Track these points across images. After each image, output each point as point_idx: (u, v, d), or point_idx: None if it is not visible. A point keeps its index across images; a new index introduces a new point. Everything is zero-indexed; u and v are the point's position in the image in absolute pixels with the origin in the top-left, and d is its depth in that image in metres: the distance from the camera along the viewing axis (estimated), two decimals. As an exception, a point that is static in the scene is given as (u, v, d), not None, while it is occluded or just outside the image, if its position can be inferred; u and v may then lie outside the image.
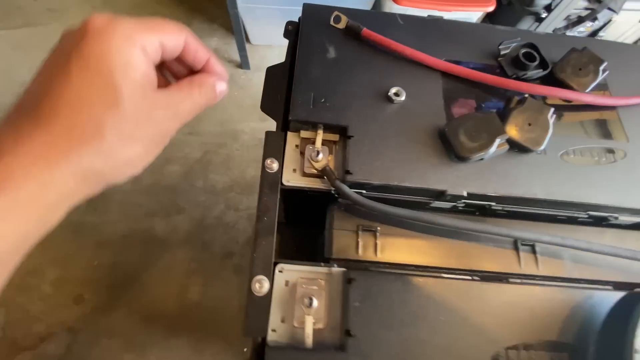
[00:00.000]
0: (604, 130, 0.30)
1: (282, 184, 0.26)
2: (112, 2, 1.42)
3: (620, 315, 0.21)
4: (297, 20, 0.33)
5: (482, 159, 0.26)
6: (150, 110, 0.19)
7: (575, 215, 0.28)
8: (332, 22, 0.31)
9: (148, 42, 0.19)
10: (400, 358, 0.21)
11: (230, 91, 1.28)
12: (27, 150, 0.16)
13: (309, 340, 0.21)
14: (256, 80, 1.28)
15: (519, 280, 0.25)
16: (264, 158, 0.27)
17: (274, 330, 0.22)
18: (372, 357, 0.21)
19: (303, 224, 0.30)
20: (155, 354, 0.90)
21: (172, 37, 0.19)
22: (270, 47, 1.32)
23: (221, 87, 0.22)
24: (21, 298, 0.93)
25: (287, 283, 0.24)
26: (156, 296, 0.94)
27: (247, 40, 1.27)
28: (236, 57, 1.29)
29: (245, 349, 0.93)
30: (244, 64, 1.29)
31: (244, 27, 1.17)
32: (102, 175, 0.18)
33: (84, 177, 0.17)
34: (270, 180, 0.26)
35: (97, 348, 0.91)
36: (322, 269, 0.24)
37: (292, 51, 0.31)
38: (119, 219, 1.05)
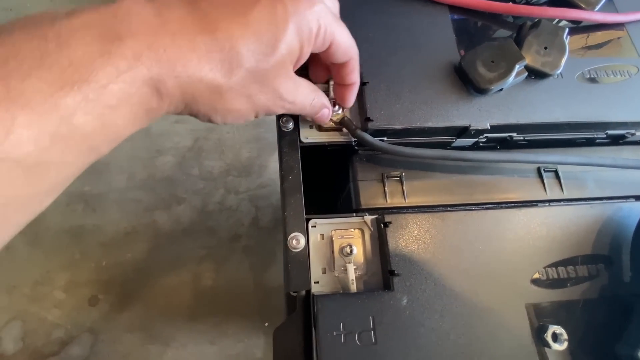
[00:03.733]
0: (615, 48, 0.30)
1: (300, 141, 0.25)
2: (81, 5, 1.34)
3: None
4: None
5: (501, 89, 0.26)
6: (275, 89, 0.18)
7: (594, 136, 0.28)
8: (327, -34, 0.29)
9: (328, 37, 0.18)
10: (447, 290, 0.21)
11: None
12: (172, 41, 0.14)
13: (353, 285, 0.21)
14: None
15: (547, 205, 0.25)
16: (277, 118, 0.26)
17: (316, 282, 0.22)
18: (418, 293, 0.21)
19: (320, 186, 0.30)
20: (179, 341, 0.92)
21: (344, 47, 0.19)
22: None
23: (326, 113, 0.23)
24: (35, 308, 0.93)
25: (322, 237, 0.23)
26: (170, 287, 0.95)
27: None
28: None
29: (266, 324, 0.96)
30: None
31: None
32: (196, 108, 0.16)
33: (184, 100, 0.15)
34: (288, 139, 0.25)
35: (120, 344, 0.92)
36: (355, 219, 0.24)
37: None
38: (120, 218, 1.03)
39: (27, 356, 0.92)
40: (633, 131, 0.28)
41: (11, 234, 0.14)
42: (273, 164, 1.09)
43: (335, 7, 0.20)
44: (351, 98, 0.23)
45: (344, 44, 0.19)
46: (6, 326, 0.91)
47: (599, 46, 0.30)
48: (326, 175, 0.29)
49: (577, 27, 0.30)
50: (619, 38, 0.30)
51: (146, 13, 0.14)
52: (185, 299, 0.94)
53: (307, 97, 0.20)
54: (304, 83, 0.20)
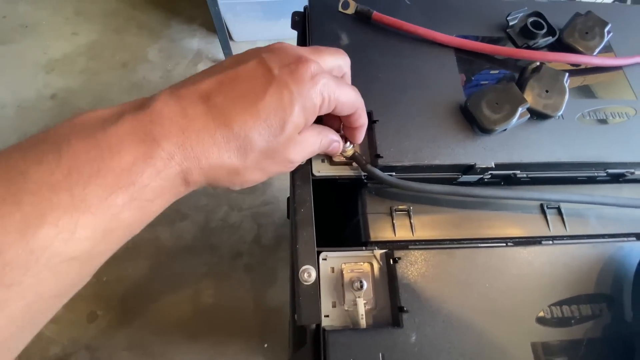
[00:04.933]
0: (613, 90, 0.31)
1: (312, 174, 0.26)
2: (85, 11, 1.38)
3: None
4: (301, 9, 0.33)
5: (505, 130, 0.27)
6: (287, 150, 0.19)
7: (595, 174, 0.29)
8: (340, 9, 0.31)
9: (332, 102, 0.20)
10: (454, 327, 0.22)
11: (219, 91, 1.26)
12: (187, 148, 0.16)
13: (363, 320, 0.22)
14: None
15: (550, 242, 0.26)
16: (292, 151, 0.27)
17: (326, 316, 0.22)
18: (426, 330, 0.21)
19: (329, 219, 0.31)
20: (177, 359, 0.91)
21: (348, 104, 0.21)
22: (254, 42, 1.30)
23: (336, 147, 0.24)
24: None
25: (332, 270, 0.24)
26: (170, 304, 0.94)
27: (230, 37, 1.25)
28: (220, 56, 1.28)
29: (265, 345, 0.94)
30: (229, 62, 1.27)
31: (225, 24, 1.15)
32: (216, 180, 0.18)
33: (206, 179, 0.17)
34: (301, 173, 0.26)
35: (118, 362, 0.91)
36: (365, 253, 0.25)
37: (301, 41, 0.31)
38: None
39: (22, 373, 0.91)
40: (632, 170, 0.29)
41: (48, 318, 0.15)
42: (276, 181, 1.10)
43: (339, 66, 0.21)
44: (360, 137, 0.25)
45: (348, 102, 0.20)
46: None
47: (598, 88, 0.31)
48: (336, 208, 0.30)
49: (578, 70, 0.32)
50: (617, 80, 0.32)
51: (175, 115, 0.16)
52: (185, 317, 0.93)
53: (314, 145, 0.22)
54: (309, 137, 0.21)
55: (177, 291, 0.97)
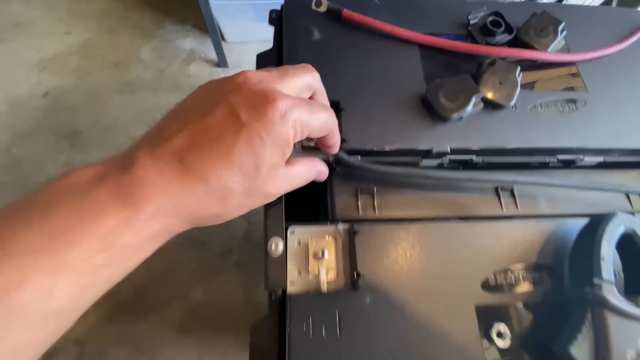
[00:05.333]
0: (566, 84, 0.34)
1: (284, 157, 0.29)
2: (78, 11, 1.39)
3: (588, 232, 0.24)
4: (279, 8, 0.35)
5: (461, 118, 0.29)
6: (266, 190, 0.20)
7: (547, 160, 0.31)
8: (313, 7, 0.33)
9: (305, 131, 0.20)
10: (406, 291, 0.24)
11: (211, 91, 1.28)
12: (176, 199, 0.17)
13: (324, 286, 0.24)
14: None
15: (502, 220, 0.28)
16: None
17: (291, 283, 0.25)
18: (380, 293, 0.24)
19: (304, 200, 0.33)
20: (166, 355, 0.92)
21: (321, 129, 0.21)
22: (245, 43, 1.32)
23: (324, 174, 0.26)
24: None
25: (299, 242, 0.26)
26: (160, 299, 0.95)
27: (222, 38, 1.27)
28: (213, 56, 1.30)
29: (254, 340, 0.96)
30: (221, 62, 1.29)
31: (218, 25, 1.18)
32: (197, 224, 0.19)
33: (188, 225, 0.19)
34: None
35: (107, 358, 0.91)
36: (330, 227, 0.27)
37: (278, 37, 0.34)
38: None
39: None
40: (582, 157, 0.31)
41: None
42: (267, 180, 1.12)
43: (308, 85, 0.22)
44: (333, 151, 0.25)
45: (320, 127, 0.21)
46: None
47: (551, 82, 0.34)
48: (308, 191, 0.32)
49: (533, 65, 0.34)
50: (570, 75, 0.34)
51: (153, 176, 0.17)
52: (175, 313, 0.94)
53: (302, 178, 0.22)
54: (300, 173, 0.22)
55: (168, 287, 0.98)
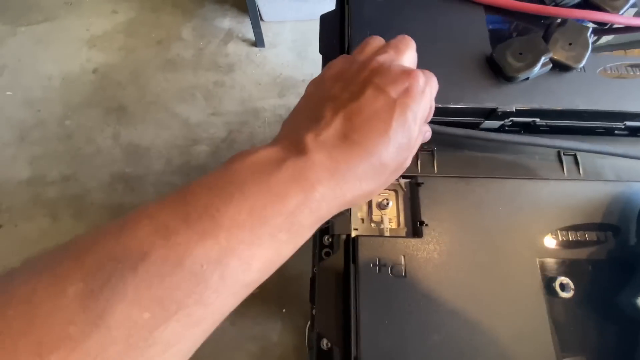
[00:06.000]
0: (637, 48, 0.32)
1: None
2: (125, -10, 1.44)
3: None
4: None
5: (527, 78, 0.29)
6: (408, 161, 0.21)
7: (613, 126, 0.30)
8: (377, -32, 0.33)
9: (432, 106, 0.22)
10: (469, 240, 0.25)
11: (248, 69, 1.30)
12: (335, 187, 0.18)
13: (387, 232, 0.25)
14: (272, 58, 1.30)
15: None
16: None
17: (355, 229, 0.26)
18: (443, 242, 0.24)
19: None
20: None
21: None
22: (282, 23, 1.33)
23: (429, 135, 0.26)
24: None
25: (362, 193, 0.27)
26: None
27: (260, 17, 1.28)
28: (250, 35, 1.31)
29: (284, 310, 1.00)
30: (258, 41, 1.31)
31: (257, 4, 1.19)
32: (352, 204, 0.20)
33: (345, 206, 0.19)
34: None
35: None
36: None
37: (340, 5, 0.34)
38: (155, 198, 1.11)
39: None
40: (651, 124, 0.30)
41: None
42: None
43: (415, 56, 0.23)
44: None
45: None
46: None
47: (623, 46, 0.32)
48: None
49: (605, 29, 0.33)
50: (643, 40, 0.33)
51: (325, 160, 0.18)
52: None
53: (418, 144, 0.23)
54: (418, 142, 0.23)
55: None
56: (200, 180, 0.17)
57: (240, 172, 0.17)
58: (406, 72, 0.20)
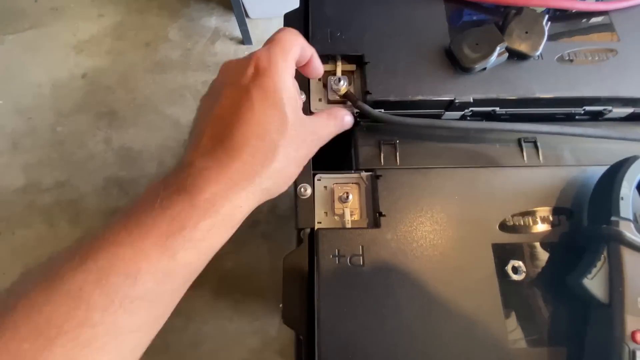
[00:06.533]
0: (596, 33, 0.33)
1: (310, 111, 0.30)
2: (110, -7, 1.44)
3: (609, 174, 0.25)
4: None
5: (484, 69, 0.30)
6: (304, 135, 0.22)
7: (573, 111, 0.31)
8: (337, -36, 0.34)
9: (293, 68, 0.22)
10: (425, 229, 0.26)
11: (236, 68, 1.30)
12: (227, 180, 0.19)
13: (348, 224, 0.26)
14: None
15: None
16: (292, 91, 0.31)
17: (319, 222, 0.27)
18: (401, 230, 0.25)
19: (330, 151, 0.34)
20: (201, 316, 0.99)
21: (300, 50, 0.23)
22: (269, 20, 1.32)
23: (349, 119, 0.27)
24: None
25: (325, 188, 0.28)
26: (194, 266, 1.02)
27: (246, 14, 1.28)
28: (237, 33, 1.31)
29: (280, 305, 1.02)
30: (245, 39, 1.31)
31: (242, 2, 1.18)
32: (269, 193, 0.21)
33: (260, 195, 0.20)
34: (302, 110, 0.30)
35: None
36: (353, 175, 0.29)
37: (304, 4, 0.35)
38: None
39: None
40: (610, 108, 0.31)
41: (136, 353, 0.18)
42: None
43: (303, 48, 0.23)
44: (319, 72, 0.27)
45: (298, 51, 0.23)
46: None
47: (582, 32, 0.33)
48: (335, 143, 0.34)
49: (564, 15, 0.33)
50: (602, 24, 0.33)
51: (207, 163, 0.19)
52: (208, 279, 1.01)
53: (328, 127, 0.25)
54: (319, 121, 0.24)
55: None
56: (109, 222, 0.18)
57: (135, 203, 0.19)
58: (246, 58, 0.21)
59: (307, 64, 0.25)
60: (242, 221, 0.20)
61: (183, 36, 1.36)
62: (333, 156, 0.35)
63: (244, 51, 1.31)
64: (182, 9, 1.40)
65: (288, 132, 0.21)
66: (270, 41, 0.22)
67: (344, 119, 0.27)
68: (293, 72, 0.22)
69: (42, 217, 1.11)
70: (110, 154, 1.18)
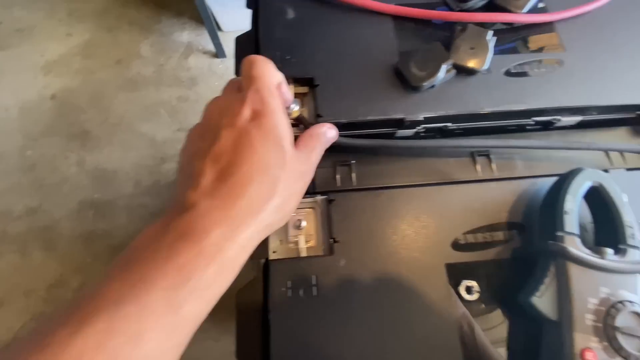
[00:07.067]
0: (543, 45, 0.33)
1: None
2: (77, 11, 1.41)
3: (555, 189, 0.25)
4: (256, -10, 0.36)
5: (433, 86, 0.30)
6: (300, 165, 0.22)
7: (523, 123, 0.32)
8: (286, -14, 0.34)
9: (282, 101, 0.23)
10: (379, 253, 0.25)
11: (211, 81, 1.29)
12: (233, 219, 0.18)
13: (303, 252, 0.26)
14: (234, 68, 1.30)
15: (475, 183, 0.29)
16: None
17: (274, 252, 0.26)
18: (354, 256, 0.25)
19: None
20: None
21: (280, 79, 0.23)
22: (241, 32, 1.32)
23: (331, 133, 0.27)
24: (51, 309, 0.99)
25: (280, 215, 0.28)
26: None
27: (218, 28, 1.27)
28: (210, 47, 1.30)
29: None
30: (219, 52, 1.30)
31: (213, 15, 1.18)
32: (271, 228, 0.21)
33: (263, 232, 0.20)
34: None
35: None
36: (308, 199, 0.28)
37: (255, 18, 0.34)
38: (128, 222, 1.09)
39: (45, 355, 0.97)
40: (558, 117, 0.32)
41: None
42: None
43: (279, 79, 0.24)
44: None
45: (276, 86, 0.23)
46: (24, 327, 0.97)
47: (528, 44, 0.34)
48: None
49: (510, 28, 0.34)
50: (548, 35, 0.34)
51: (210, 205, 0.18)
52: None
53: (315, 150, 0.24)
54: (309, 150, 0.24)
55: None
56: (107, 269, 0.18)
57: (133, 250, 0.18)
58: (237, 100, 0.21)
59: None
60: (244, 263, 0.20)
61: (155, 52, 1.35)
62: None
63: (218, 64, 1.30)
64: (154, 25, 1.39)
65: (288, 166, 0.21)
66: (251, 78, 0.22)
67: (326, 135, 0.26)
68: (283, 105, 0.23)
69: (14, 246, 1.07)
70: (84, 176, 1.15)
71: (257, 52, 0.32)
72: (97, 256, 1.05)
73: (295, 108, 0.30)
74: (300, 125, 0.30)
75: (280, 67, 0.30)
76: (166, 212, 0.19)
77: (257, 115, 0.21)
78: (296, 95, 0.31)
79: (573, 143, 0.29)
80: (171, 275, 0.16)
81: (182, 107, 1.26)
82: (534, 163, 0.31)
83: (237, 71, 0.33)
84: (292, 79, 0.31)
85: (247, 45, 0.34)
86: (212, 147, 0.20)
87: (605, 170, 0.29)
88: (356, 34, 0.32)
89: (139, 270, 0.17)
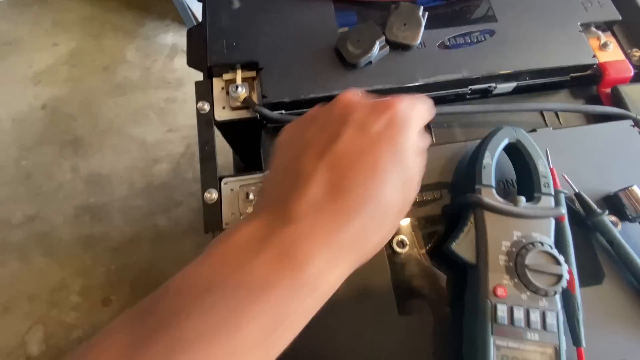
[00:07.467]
0: (476, 17, 0.35)
1: (215, 120, 0.32)
2: (61, 21, 1.44)
3: (477, 148, 0.27)
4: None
5: (370, 63, 0.32)
6: (412, 191, 0.19)
7: (461, 92, 0.33)
8: (231, -22, 0.36)
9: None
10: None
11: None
12: (338, 247, 0.16)
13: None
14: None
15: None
16: (197, 102, 0.32)
17: (227, 224, 0.29)
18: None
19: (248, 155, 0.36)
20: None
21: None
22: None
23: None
24: (54, 312, 1.02)
25: (232, 190, 0.30)
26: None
27: (200, 28, 1.29)
28: (194, 47, 1.32)
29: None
30: (202, 52, 1.31)
31: (193, 15, 1.19)
32: (360, 262, 0.17)
33: (354, 266, 0.17)
34: (205, 119, 0.32)
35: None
36: (258, 175, 0.30)
37: (204, 11, 0.36)
38: (124, 224, 1.12)
39: (51, 357, 1.01)
40: (494, 84, 0.33)
41: None
42: (261, 161, 1.16)
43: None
44: None
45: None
46: (29, 331, 1.00)
47: (461, 17, 0.35)
48: (245, 146, 0.35)
49: (444, 3, 0.36)
50: (481, 8, 0.36)
51: (314, 226, 0.16)
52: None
53: (417, 176, 0.20)
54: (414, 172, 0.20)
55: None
56: (181, 275, 0.16)
57: (221, 263, 0.16)
58: (383, 103, 0.18)
59: None
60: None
61: (141, 56, 1.37)
62: (244, 159, 0.37)
63: (202, 64, 1.32)
64: (137, 29, 1.41)
65: (404, 195, 0.18)
66: (407, 98, 0.19)
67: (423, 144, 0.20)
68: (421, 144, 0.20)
69: (15, 254, 1.10)
70: (79, 182, 1.18)
71: (205, 42, 0.34)
72: (96, 258, 1.08)
73: (242, 91, 0.32)
74: (248, 107, 0.32)
75: (227, 53, 0.33)
76: (262, 209, 0.17)
77: (393, 125, 0.17)
78: (246, 80, 0.33)
79: (502, 106, 0.31)
80: (265, 318, 0.14)
81: (170, 109, 1.29)
82: (472, 129, 0.33)
83: (189, 62, 0.35)
84: (241, 65, 0.33)
85: (198, 36, 0.36)
86: (333, 146, 0.17)
87: (534, 130, 0.30)
88: (299, 19, 0.34)
89: (228, 298, 0.14)
